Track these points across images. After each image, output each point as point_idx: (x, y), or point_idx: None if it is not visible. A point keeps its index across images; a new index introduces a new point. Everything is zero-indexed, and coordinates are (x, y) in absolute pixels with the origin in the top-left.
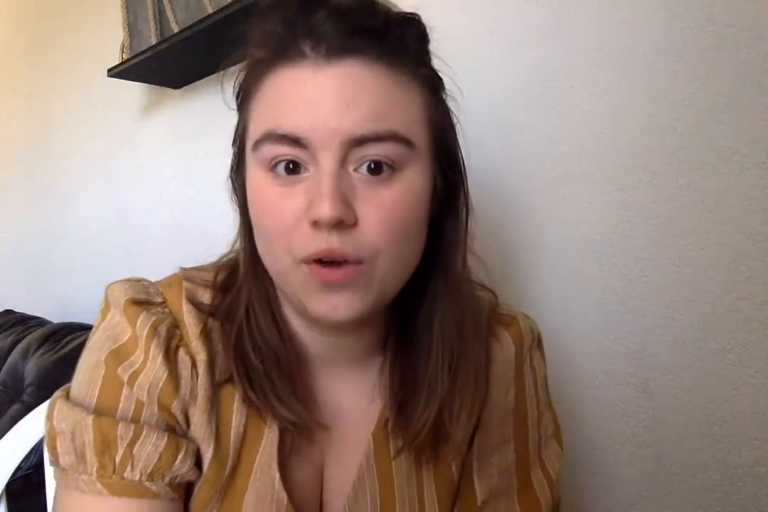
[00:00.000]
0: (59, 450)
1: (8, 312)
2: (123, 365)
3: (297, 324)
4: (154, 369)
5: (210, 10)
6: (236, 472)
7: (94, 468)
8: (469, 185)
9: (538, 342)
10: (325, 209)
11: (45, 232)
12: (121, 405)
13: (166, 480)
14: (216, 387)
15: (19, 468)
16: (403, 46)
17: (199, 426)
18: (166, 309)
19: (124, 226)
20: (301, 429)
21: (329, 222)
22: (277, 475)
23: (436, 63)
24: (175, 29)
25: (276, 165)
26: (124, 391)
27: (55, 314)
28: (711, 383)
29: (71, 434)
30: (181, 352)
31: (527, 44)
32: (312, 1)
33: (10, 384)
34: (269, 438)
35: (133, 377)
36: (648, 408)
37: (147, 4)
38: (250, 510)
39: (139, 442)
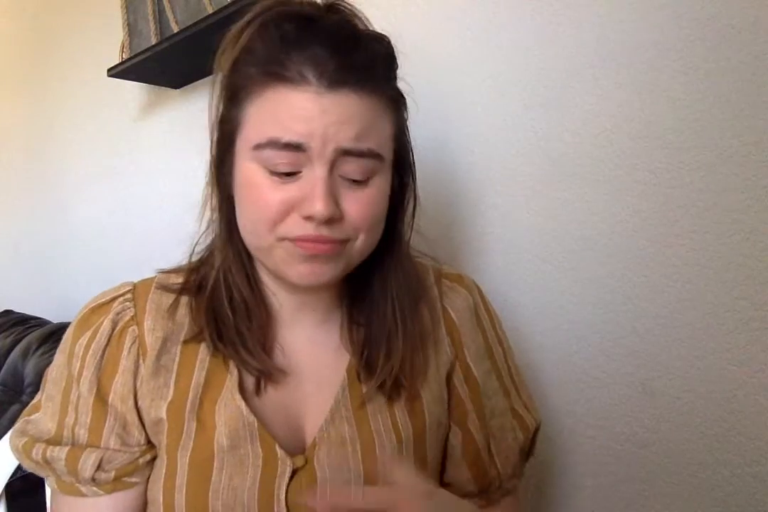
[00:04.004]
0: (26, 467)
1: (8, 312)
2: (71, 370)
3: (269, 284)
4: (94, 363)
5: (210, 10)
6: (201, 415)
7: (49, 471)
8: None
9: (485, 295)
10: (320, 207)
11: (45, 232)
12: (69, 413)
13: (88, 482)
14: (176, 349)
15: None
16: (382, 76)
17: (147, 389)
18: (129, 295)
19: (124, 226)
20: (266, 375)
21: (322, 219)
22: (243, 403)
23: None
24: (175, 29)
25: (274, 167)
26: (72, 392)
27: (54, 314)
28: (711, 383)
29: (19, 457)
30: (128, 335)
31: (527, 44)
32: (308, 25)
33: (10, 384)
34: (230, 382)
35: (80, 372)
36: (648, 408)
37: (147, 4)
38: (224, 439)
39: (49, 459)
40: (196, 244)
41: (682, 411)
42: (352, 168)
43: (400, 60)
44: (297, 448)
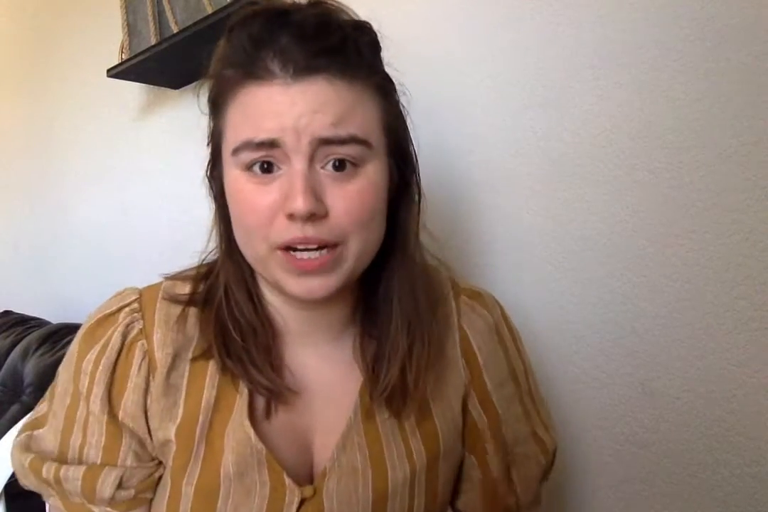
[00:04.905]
0: (26, 483)
1: (7, 312)
2: (80, 387)
3: (274, 302)
4: (104, 379)
5: (209, 11)
6: (210, 437)
7: (54, 491)
8: (432, 177)
9: (503, 310)
10: (299, 203)
11: (45, 232)
12: (74, 433)
13: (104, 503)
14: (185, 365)
15: None
16: (359, 60)
17: (157, 408)
18: (135, 306)
19: (124, 226)
20: (276, 394)
21: (303, 214)
22: (252, 431)
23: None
24: (175, 29)
25: (252, 166)
26: (80, 410)
27: (54, 314)
28: (711, 383)
29: (23, 474)
30: (137, 350)
31: (527, 44)
32: (276, 20)
33: (10, 384)
34: (240, 403)
35: (89, 390)
36: (648, 408)
37: (146, 5)
38: (231, 465)
39: (62, 480)
40: (205, 259)
41: (682, 411)
42: (335, 156)
43: (400, 60)
44: (305, 474)
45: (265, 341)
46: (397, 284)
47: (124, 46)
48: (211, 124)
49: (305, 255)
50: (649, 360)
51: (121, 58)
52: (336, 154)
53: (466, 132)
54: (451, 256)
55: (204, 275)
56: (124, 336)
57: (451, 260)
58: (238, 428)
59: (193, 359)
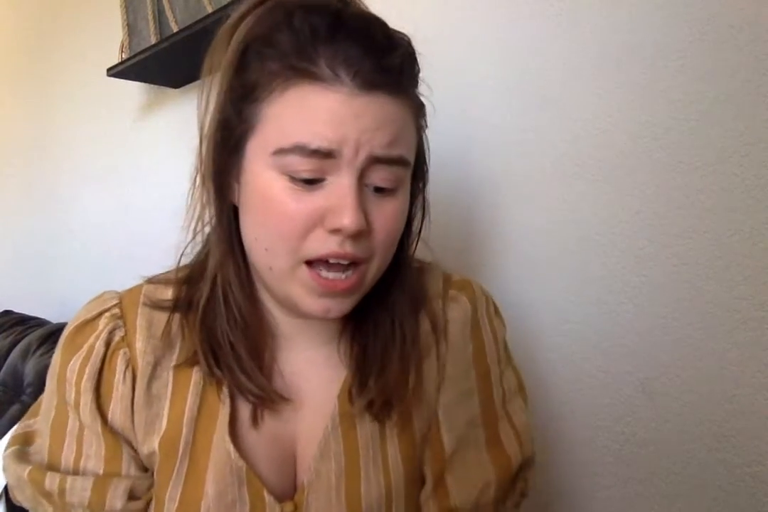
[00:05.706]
0: (19, 498)
1: (7, 312)
2: (66, 397)
3: (270, 306)
4: (90, 388)
5: (209, 10)
6: (195, 450)
7: (51, 508)
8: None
9: (495, 307)
10: (348, 220)
11: (45, 232)
12: (65, 447)
13: None
14: (167, 374)
15: None
16: (408, 81)
17: (140, 419)
18: (116, 311)
19: (124, 226)
20: (264, 400)
21: (352, 231)
22: (231, 446)
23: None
24: (175, 29)
25: (298, 178)
26: (70, 421)
27: (54, 314)
28: (711, 383)
29: (18, 487)
30: (120, 358)
31: (527, 44)
32: (336, 21)
33: (10, 384)
34: (222, 413)
35: (76, 400)
36: (648, 408)
37: (146, 4)
38: (212, 483)
39: (67, 492)
40: (182, 255)
41: (682, 411)
42: (381, 176)
43: None
44: (288, 488)
45: (256, 343)
46: (397, 297)
47: (124, 45)
48: (228, 108)
49: (331, 274)
50: (650, 360)
51: (121, 58)
52: (383, 172)
53: (467, 132)
54: (451, 255)
55: (185, 280)
56: (108, 342)
57: (451, 260)
58: (219, 445)
59: (177, 366)
